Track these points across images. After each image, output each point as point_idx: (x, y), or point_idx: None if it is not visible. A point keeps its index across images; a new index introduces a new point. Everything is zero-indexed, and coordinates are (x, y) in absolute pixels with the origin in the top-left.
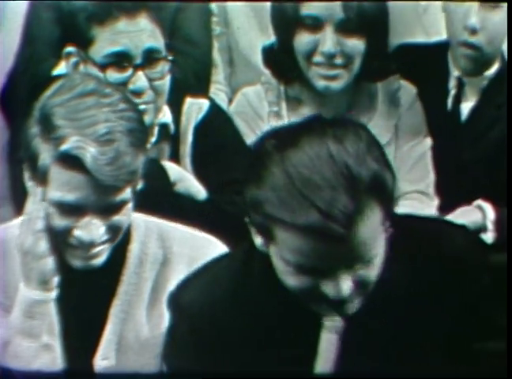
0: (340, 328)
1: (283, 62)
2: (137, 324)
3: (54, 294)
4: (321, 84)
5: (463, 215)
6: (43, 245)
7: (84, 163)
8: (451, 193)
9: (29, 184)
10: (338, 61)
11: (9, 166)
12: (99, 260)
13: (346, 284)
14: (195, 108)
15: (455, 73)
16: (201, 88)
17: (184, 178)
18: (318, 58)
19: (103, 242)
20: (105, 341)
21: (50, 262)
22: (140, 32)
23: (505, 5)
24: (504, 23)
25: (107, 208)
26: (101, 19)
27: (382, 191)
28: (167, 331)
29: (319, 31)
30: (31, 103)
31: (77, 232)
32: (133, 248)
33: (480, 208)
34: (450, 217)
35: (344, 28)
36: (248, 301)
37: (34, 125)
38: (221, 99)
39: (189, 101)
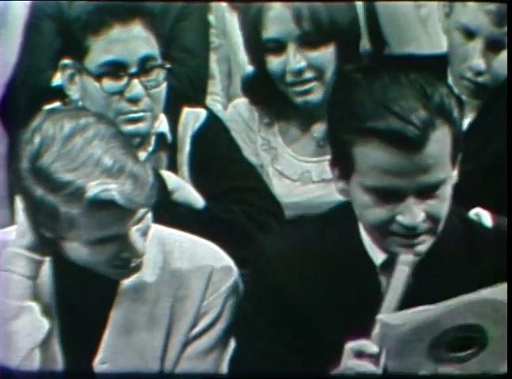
0: (413, 263)
1: (260, 89)
2: (138, 327)
3: (30, 254)
4: (299, 100)
5: None
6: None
7: (117, 203)
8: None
9: (42, 230)
10: (308, 75)
11: (8, 174)
12: (141, 266)
13: (419, 211)
14: (192, 117)
15: (455, 90)
16: (197, 97)
17: (182, 187)
18: (289, 78)
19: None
20: (104, 345)
21: (24, 216)
22: (134, 40)
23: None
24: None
25: (136, 222)
26: (95, 28)
27: (450, 115)
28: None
29: (284, 52)
30: (30, 112)
31: (124, 255)
32: None
33: (477, 215)
34: None
35: (306, 41)
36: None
37: (35, 187)
38: (217, 110)
39: (186, 110)
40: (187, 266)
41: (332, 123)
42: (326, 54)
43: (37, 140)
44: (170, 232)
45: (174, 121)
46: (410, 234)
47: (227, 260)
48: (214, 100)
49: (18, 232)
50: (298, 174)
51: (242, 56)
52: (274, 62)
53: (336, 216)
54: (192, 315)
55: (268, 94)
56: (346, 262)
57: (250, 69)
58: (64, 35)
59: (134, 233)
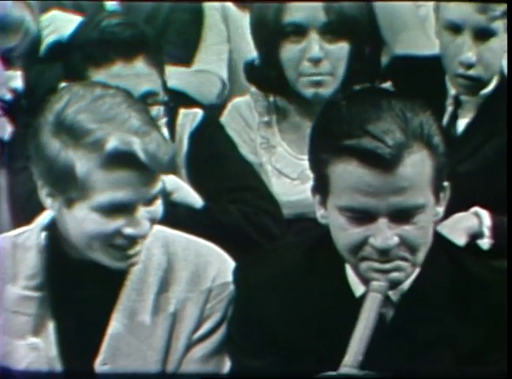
0: (385, 289)
1: (268, 76)
2: (140, 329)
3: (39, 293)
4: (309, 91)
5: (460, 221)
6: (34, 238)
7: (137, 156)
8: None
9: (48, 201)
10: (324, 66)
11: (9, 175)
12: (139, 259)
13: (391, 234)
14: (189, 118)
15: (452, 91)
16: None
17: (180, 187)
18: (305, 66)
19: (144, 237)
20: (106, 346)
21: (37, 257)
22: (136, 76)
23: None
24: (501, 47)
25: (150, 200)
26: (96, 61)
27: (430, 141)
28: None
29: (304, 39)
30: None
31: (128, 230)
32: None
33: (476, 214)
34: (447, 223)
35: (328, 31)
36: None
37: (53, 140)
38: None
39: (182, 112)
40: (191, 269)
41: (310, 144)
42: (343, 50)
43: (66, 97)
44: (174, 233)
45: (171, 125)
46: (383, 258)
47: (231, 264)
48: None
49: (27, 274)
50: (297, 173)
51: (244, 45)
52: (292, 49)
53: (323, 244)
54: (195, 318)
55: (274, 82)
56: (329, 293)
57: (253, 55)
58: (65, 60)
59: (143, 213)
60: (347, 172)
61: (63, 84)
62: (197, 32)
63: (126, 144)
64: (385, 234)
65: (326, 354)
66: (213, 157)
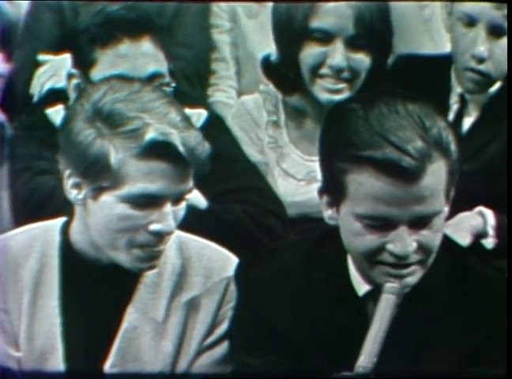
0: (399, 290)
1: (286, 75)
2: (151, 333)
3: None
4: (324, 96)
5: (464, 221)
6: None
7: (176, 148)
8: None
9: (74, 192)
10: (345, 75)
11: (10, 177)
12: (160, 262)
13: (410, 241)
14: (193, 119)
15: (458, 89)
16: (194, 92)
17: None
18: (324, 71)
19: (170, 234)
20: (116, 349)
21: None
22: (143, 56)
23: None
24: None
25: (178, 197)
26: (103, 41)
27: (447, 149)
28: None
29: (328, 45)
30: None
31: (154, 226)
32: None
33: (481, 213)
34: (451, 222)
35: (354, 43)
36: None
37: (88, 126)
38: (231, 97)
39: (186, 111)
40: (204, 274)
41: (324, 151)
42: (365, 62)
43: (104, 88)
44: (188, 237)
45: None
46: (400, 263)
47: None
48: (229, 86)
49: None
50: (303, 174)
51: (251, 42)
52: (314, 51)
53: (326, 242)
54: (207, 324)
55: (291, 81)
56: (330, 291)
57: (267, 52)
58: (71, 45)
59: (170, 211)
60: (368, 182)
61: (71, 71)
62: (205, 33)
63: (165, 135)
64: (405, 241)
65: (329, 353)
66: (218, 158)
